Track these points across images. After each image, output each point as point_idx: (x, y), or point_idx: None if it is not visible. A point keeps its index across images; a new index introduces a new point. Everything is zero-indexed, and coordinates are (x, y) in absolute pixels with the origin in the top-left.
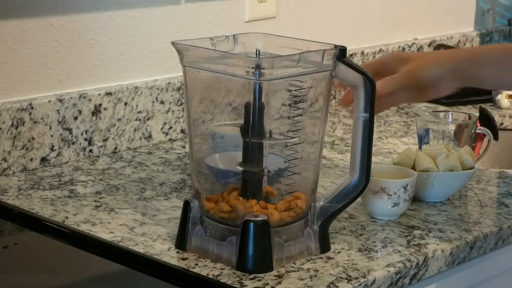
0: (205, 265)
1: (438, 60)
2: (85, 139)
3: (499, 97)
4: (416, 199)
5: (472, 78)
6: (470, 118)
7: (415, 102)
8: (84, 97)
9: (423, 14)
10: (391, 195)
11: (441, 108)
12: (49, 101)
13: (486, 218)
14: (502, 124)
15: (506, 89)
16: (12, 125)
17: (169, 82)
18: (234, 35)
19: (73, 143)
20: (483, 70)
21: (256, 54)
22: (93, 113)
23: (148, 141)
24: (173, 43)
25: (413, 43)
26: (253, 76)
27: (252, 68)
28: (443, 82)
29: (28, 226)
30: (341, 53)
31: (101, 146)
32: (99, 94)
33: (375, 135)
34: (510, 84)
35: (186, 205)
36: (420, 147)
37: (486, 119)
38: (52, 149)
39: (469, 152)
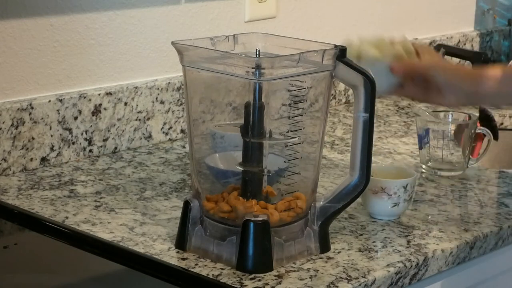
0: (205, 265)
1: (455, 70)
2: (85, 139)
3: None
4: None
5: (479, 97)
6: (470, 118)
7: (419, 101)
8: (84, 97)
9: (423, 14)
10: (391, 195)
11: (441, 108)
12: (49, 101)
13: (486, 218)
14: (502, 124)
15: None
16: (12, 125)
17: (169, 82)
18: (234, 35)
19: (73, 143)
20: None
21: (256, 54)
22: (93, 113)
23: (148, 141)
24: (173, 43)
25: (413, 43)
26: (253, 76)
27: (252, 68)
28: (452, 93)
29: (28, 226)
30: (341, 53)
31: (101, 146)
32: (99, 94)
33: (375, 135)
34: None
35: (186, 205)
36: (420, 147)
37: (486, 119)
38: (52, 149)
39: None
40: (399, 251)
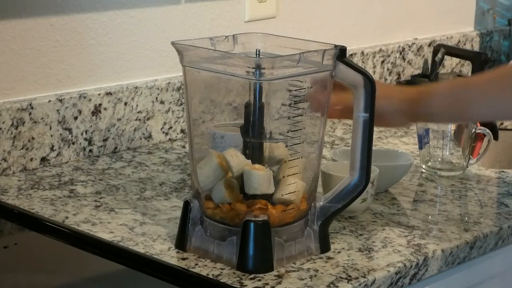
0: (205, 265)
1: (388, 95)
2: (85, 139)
3: None
4: None
5: (422, 116)
6: None
7: None
8: (84, 97)
9: (423, 14)
10: None
11: None
12: (49, 101)
13: (486, 218)
14: (502, 124)
15: (460, 121)
16: (12, 125)
17: (169, 82)
18: (234, 35)
19: (73, 143)
20: (433, 107)
21: (256, 54)
22: (93, 113)
23: (148, 141)
24: (173, 43)
25: (413, 43)
26: (253, 76)
27: (252, 68)
28: (392, 117)
29: (28, 226)
30: (341, 53)
31: (101, 146)
32: (99, 94)
33: (375, 135)
34: (462, 117)
35: (186, 205)
36: (420, 147)
37: None
38: (52, 149)
39: None
40: (399, 251)
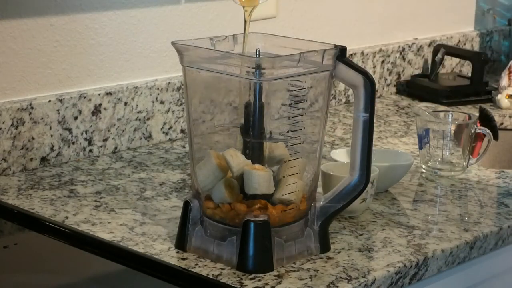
0: (205, 265)
1: None
2: (85, 139)
3: (499, 97)
4: None
5: None
6: (470, 118)
7: None
8: (84, 97)
9: (423, 14)
10: None
11: (441, 108)
12: (49, 101)
13: (486, 218)
14: (502, 124)
15: None
16: (12, 125)
17: (169, 82)
18: (234, 35)
19: (73, 143)
20: None
21: (256, 54)
22: (93, 113)
23: (148, 141)
24: (173, 43)
25: (413, 43)
26: (253, 76)
27: (252, 68)
28: None
29: (28, 226)
30: (341, 53)
31: (101, 146)
32: (99, 94)
33: (375, 135)
34: None
35: (186, 205)
36: (420, 147)
37: (486, 119)
38: (52, 149)
39: None
40: (399, 251)
